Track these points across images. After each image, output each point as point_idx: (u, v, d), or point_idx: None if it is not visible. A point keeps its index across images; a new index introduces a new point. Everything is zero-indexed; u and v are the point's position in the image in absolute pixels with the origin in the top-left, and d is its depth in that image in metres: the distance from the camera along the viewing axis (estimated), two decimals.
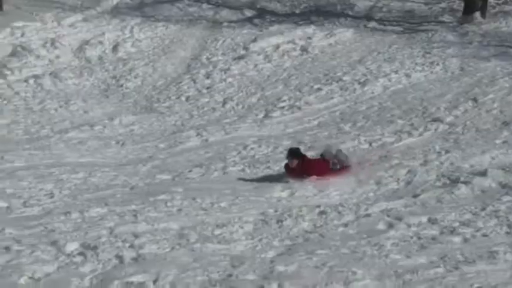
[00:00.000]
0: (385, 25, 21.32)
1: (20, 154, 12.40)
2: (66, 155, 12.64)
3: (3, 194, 9.61)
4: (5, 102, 17.07)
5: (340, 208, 8.95)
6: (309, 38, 20.39)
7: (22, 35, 21.44)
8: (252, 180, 10.84)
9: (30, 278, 6.39)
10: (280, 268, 6.58)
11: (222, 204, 9.23)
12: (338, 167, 11.20)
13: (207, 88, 17.95)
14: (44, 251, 7.13)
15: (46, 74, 19.22)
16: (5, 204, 9.09)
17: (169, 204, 9.21)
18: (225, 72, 18.84)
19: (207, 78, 18.62)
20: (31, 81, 18.67)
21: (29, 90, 18.11)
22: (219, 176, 11.29)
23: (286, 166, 11.10)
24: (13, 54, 20.17)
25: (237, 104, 16.66)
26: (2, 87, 18.17)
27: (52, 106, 16.86)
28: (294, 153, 11.16)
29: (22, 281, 6.32)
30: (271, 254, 7.21)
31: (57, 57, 20.56)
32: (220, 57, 19.99)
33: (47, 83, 18.66)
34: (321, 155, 11.43)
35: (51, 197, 9.61)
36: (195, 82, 18.40)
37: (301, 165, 10.94)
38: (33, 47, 20.69)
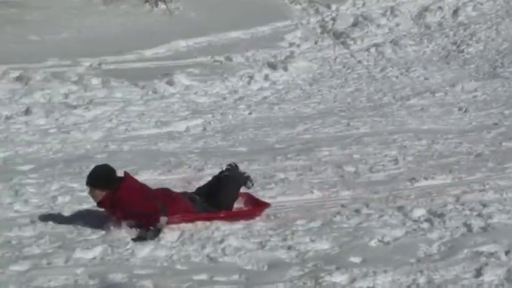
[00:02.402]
0: None
1: (365, 121, 12.76)
2: (408, 121, 12.71)
3: (351, 159, 9.98)
4: (348, 71, 17.69)
5: None
6: None
7: (363, 5, 22.09)
8: None
9: (380, 241, 6.55)
10: None
11: None
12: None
13: None
14: (392, 216, 7.27)
15: (386, 42, 19.59)
16: (353, 169, 9.43)
17: None
18: None
19: None
20: (372, 49, 19.13)
21: (370, 58, 18.59)
22: None
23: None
24: (355, 24, 20.86)
25: None
26: (345, 56, 18.91)
27: (393, 73, 17.10)
28: (96, 179, 6.72)
29: (373, 243, 6.51)
30: None
31: (397, 25, 20.85)
32: None
33: (388, 50, 18.98)
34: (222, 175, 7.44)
35: (396, 163, 9.74)
36: None
37: (111, 199, 6.73)
38: (373, 16, 21.19)
